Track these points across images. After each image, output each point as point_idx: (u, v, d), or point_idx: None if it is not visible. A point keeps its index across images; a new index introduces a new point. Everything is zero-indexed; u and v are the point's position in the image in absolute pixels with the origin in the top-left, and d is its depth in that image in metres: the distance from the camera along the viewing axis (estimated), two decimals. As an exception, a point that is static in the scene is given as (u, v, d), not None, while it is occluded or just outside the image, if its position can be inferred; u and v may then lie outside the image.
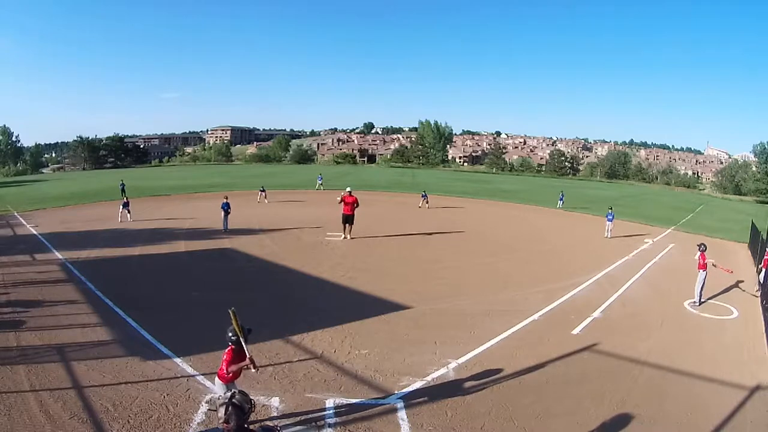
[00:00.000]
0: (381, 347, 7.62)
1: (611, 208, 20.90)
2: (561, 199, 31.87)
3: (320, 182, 37.44)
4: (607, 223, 20.03)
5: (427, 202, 27.63)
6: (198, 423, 5.31)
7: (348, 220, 16.39)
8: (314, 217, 21.79)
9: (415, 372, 6.80)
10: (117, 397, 5.80)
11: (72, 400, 5.68)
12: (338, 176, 51.72)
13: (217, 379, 5.10)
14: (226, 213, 17.92)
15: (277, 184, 39.66)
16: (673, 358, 7.72)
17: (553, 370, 7.07)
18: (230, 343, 4.91)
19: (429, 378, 6.65)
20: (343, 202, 16.25)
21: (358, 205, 16.45)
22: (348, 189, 16.80)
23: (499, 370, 6.96)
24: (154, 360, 6.87)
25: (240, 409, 2.81)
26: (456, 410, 5.84)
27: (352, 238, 16.41)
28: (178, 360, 6.88)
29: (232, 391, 2.93)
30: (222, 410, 2.81)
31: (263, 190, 28.56)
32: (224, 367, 4.87)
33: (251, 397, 2.95)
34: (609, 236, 19.73)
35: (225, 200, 18.28)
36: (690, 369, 7.32)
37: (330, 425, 5.40)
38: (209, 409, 5.52)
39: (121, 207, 20.36)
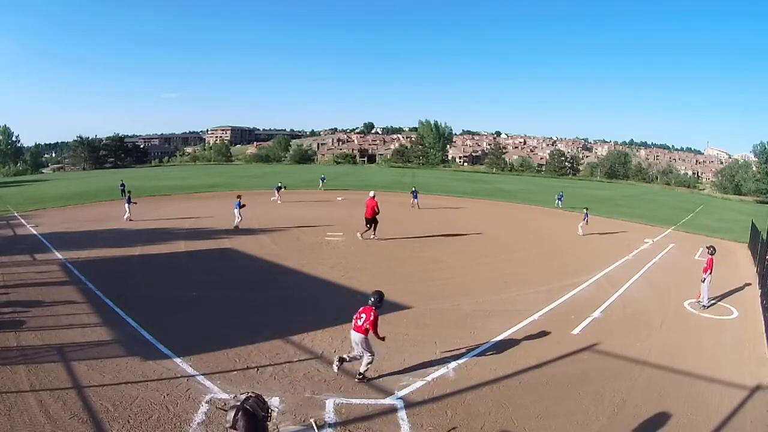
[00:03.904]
0: (381, 347, 7.60)
1: (587, 209, 21.55)
2: (560, 199, 31.87)
3: (323, 182, 37.39)
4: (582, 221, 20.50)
5: (417, 202, 26.34)
6: (198, 423, 5.31)
7: (367, 222, 16.69)
8: (314, 216, 21.80)
9: (415, 372, 6.80)
10: (117, 397, 5.80)
11: (72, 400, 5.68)
12: (338, 176, 51.74)
13: (356, 333, 6.31)
14: (238, 211, 18.07)
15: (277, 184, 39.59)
16: (673, 358, 7.72)
17: (553, 370, 7.07)
18: (374, 306, 6.33)
19: (429, 378, 6.65)
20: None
21: (378, 211, 16.52)
22: (371, 193, 17.06)
23: (499, 370, 6.96)
24: (154, 360, 6.87)
25: (253, 416, 2.41)
26: (456, 410, 5.84)
27: (376, 238, 16.58)
28: (178, 360, 6.88)
29: (248, 394, 2.55)
30: (231, 413, 2.42)
31: (279, 189, 28.05)
32: (372, 327, 6.24)
33: (270, 406, 2.56)
34: (582, 233, 20.03)
35: (238, 199, 18.37)
36: (690, 369, 7.32)
37: (330, 425, 5.40)
38: (219, 408, 5.30)
39: (126, 204, 20.39)
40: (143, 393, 5.92)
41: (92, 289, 10.25)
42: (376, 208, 16.45)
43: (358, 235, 16.71)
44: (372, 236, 16.70)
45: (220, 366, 6.77)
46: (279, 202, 26.96)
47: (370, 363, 6.44)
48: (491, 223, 23.43)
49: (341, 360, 6.56)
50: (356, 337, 6.33)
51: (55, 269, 12.05)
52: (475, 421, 5.62)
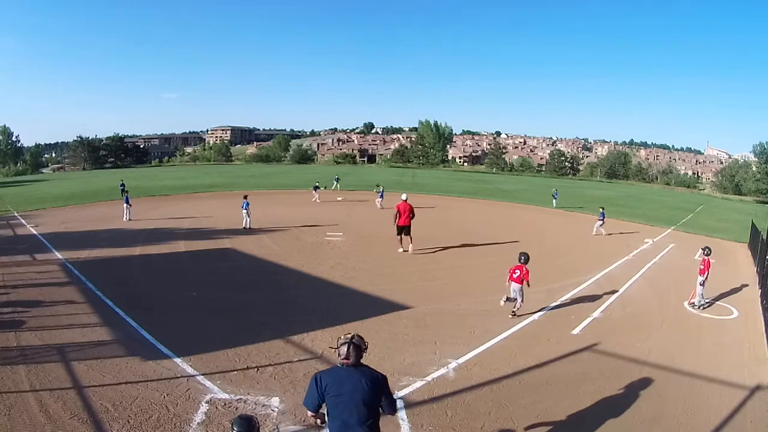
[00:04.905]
0: (381, 347, 7.60)
1: (603, 209, 21.42)
2: (555, 197, 31.84)
3: (336, 183, 37.00)
4: (597, 221, 20.55)
5: (381, 201, 24.62)
6: (198, 423, 5.31)
7: (402, 231, 14.52)
8: (314, 216, 21.80)
9: (415, 372, 6.79)
10: (117, 397, 5.80)
11: (72, 400, 5.68)
12: (338, 176, 51.59)
13: (515, 283, 8.88)
14: (247, 212, 18.08)
15: (277, 184, 39.66)
16: (673, 358, 7.71)
17: (553, 370, 7.06)
18: (524, 263, 8.84)
19: (429, 378, 6.64)
20: (396, 213, 14.47)
21: (413, 215, 14.47)
22: (403, 196, 15.08)
23: (499, 370, 6.96)
24: (154, 360, 6.87)
25: (358, 348, 3.40)
26: (456, 410, 5.83)
27: (413, 252, 14.49)
28: (178, 360, 6.88)
29: (352, 334, 3.46)
30: (344, 348, 3.37)
31: (317, 188, 27.63)
32: (527, 278, 8.82)
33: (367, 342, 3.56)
34: (595, 233, 20.18)
35: (245, 199, 18.38)
36: (690, 369, 7.31)
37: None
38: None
39: (124, 204, 20.44)
40: (143, 393, 5.92)
41: (92, 289, 10.25)
42: (412, 212, 14.43)
43: (406, 250, 14.55)
44: (408, 248, 14.55)
45: (220, 366, 6.77)
46: (318, 201, 26.89)
47: (521, 305, 9.03)
48: (491, 223, 23.43)
49: (507, 299, 9.08)
50: (515, 286, 8.90)
51: (55, 269, 12.05)
52: (475, 421, 5.61)
